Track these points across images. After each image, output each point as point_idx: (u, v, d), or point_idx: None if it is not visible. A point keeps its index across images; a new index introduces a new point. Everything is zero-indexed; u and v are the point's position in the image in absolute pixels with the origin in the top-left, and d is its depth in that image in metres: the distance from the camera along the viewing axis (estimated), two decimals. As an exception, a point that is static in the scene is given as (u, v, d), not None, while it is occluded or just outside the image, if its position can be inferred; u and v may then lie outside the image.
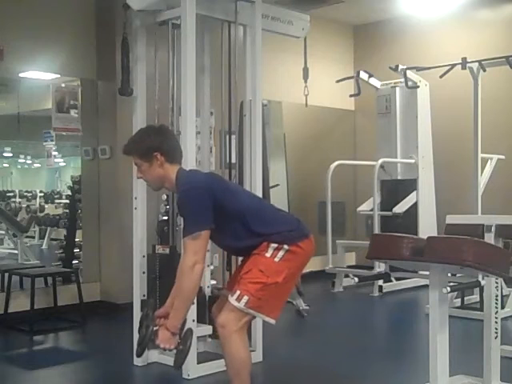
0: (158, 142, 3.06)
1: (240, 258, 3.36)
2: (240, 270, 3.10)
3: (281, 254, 2.97)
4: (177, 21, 4.21)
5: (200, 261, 2.87)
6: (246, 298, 2.92)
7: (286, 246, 2.98)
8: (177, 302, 2.90)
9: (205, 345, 4.40)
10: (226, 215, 2.98)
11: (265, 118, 4.96)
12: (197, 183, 3.00)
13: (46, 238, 10.32)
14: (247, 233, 3.01)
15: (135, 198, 4.30)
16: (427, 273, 3.12)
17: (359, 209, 7.45)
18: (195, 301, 3.94)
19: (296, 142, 7.92)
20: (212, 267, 4.57)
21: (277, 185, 6.50)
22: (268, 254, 2.97)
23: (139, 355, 2.95)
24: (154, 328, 2.92)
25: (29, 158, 14.75)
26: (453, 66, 6.28)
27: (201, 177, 3.20)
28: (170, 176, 3.06)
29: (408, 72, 6.92)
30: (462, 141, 7.03)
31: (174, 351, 2.89)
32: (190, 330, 2.95)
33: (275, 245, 2.98)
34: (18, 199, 12.43)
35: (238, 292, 2.94)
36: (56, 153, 8.67)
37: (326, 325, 5.72)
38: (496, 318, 3.50)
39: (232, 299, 2.94)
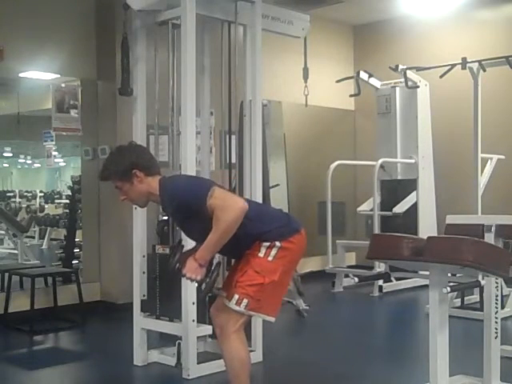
0: (133, 159, 3.05)
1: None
2: (234, 270, 3.10)
3: (274, 252, 2.98)
4: (177, 21, 4.20)
5: (235, 200, 2.88)
6: (245, 301, 2.94)
7: (278, 244, 2.98)
8: (211, 236, 2.86)
9: (205, 345, 4.40)
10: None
11: (265, 117, 4.95)
12: (185, 179, 3.15)
13: (45, 238, 10.31)
14: (240, 233, 2.96)
15: (135, 198, 4.30)
16: (427, 273, 3.12)
17: (359, 209, 7.45)
18: (195, 300, 3.96)
19: (296, 142, 7.92)
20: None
21: (277, 185, 6.50)
22: (261, 254, 2.98)
23: (172, 269, 3.01)
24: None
25: (29, 157, 14.74)
26: (453, 65, 6.28)
27: (187, 175, 3.39)
28: (153, 189, 3.06)
29: (408, 72, 6.92)
30: (462, 141, 7.03)
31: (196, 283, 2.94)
32: (218, 264, 2.97)
33: (267, 243, 2.98)
34: (18, 199, 12.43)
35: (237, 296, 2.95)
36: (56, 153, 8.65)
37: (326, 325, 5.72)
38: (496, 318, 3.50)
39: (231, 304, 2.95)
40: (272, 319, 3.05)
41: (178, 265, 2.92)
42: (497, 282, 3.52)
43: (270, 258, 2.97)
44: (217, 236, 2.85)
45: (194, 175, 3.70)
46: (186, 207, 2.93)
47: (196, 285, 3.60)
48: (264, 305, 2.98)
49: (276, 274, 2.97)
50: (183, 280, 3.95)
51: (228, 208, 2.82)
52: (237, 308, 2.94)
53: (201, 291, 3.00)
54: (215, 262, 2.98)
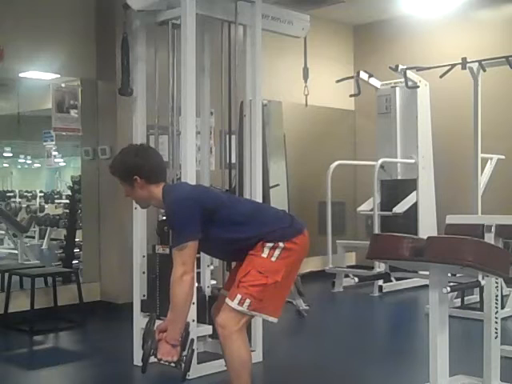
0: (136, 166, 3.05)
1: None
2: (237, 270, 3.10)
3: (277, 252, 2.98)
4: (177, 21, 4.20)
5: (188, 271, 2.90)
6: (248, 301, 2.94)
7: (281, 244, 2.99)
8: (171, 315, 2.95)
9: (205, 345, 4.40)
10: (219, 223, 3.00)
11: (265, 117, 4.95)
12: (184, 195, 3.02)
13: (45, 238, 10.32)
14: (242, 238, 3.02)
15: (135, 198, 4.30)
16: (427, 273, 3.12)
17: (359, 209, 7.45)
18: (195, 301, 3.96)
19: (296, 142, 7.91)
20: (212, 267, 4.57)
21: (277, 185, 6.49)
22: (264, 255, 2.98)
23: (143, 371, 2.97)
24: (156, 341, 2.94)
25: (29, 157, 14.75)
26: (453, 65, 6.28)
27: (188, 189, 3.25)
28: (155, 196, 3.08)
29: (408, 72, 6.92)
30: (462, 141, 7.03)
31: (173, 364, 2.91)
32: (191, 340, 2.97)
33: (270, 244, 2.99)
34: (17, 199, 12.44)
35: (240, 296, 2.95)
36: (56, 153, 8.67)
37: (326, 325, 5.72)
38: (496, 317, 3.50)
39: (234, 304, 2.95)
40: (274, 320, 3.06)
41: (152, 351, 2.93)
42: (497, 282, 3.52)
43: (273, 259, 2.98)
44: (174, 315, 2.95)
45: (196, 191, 3.24)
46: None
47: (196, 284, 3.58)
48: (266, 305, 2.99)
49: (279, 275, 2.97)
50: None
51: (178, 282, 2.91)
52: (239, 308, 2.94)
53: (180, 367, 2.99)
54: (190, 337, 2.99)
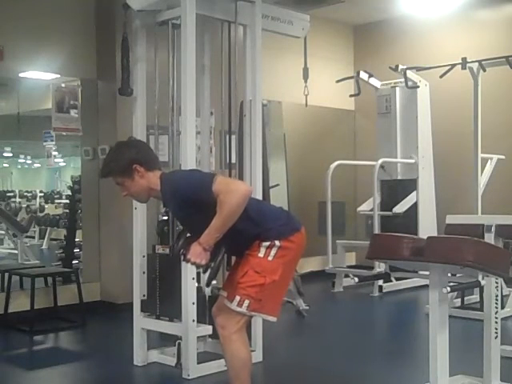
0: (133, 155, 3.05)
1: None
2: (235, 271, 3.10)
3: (273, 251, 2.98)
4: (177, 21, 4.20)
5: (240, 184, 2.96)
6: (247, 302, 2.94)
7: (277, 243, 2.98)
8: (215, 220, 2.84)
9: (205, 345, 4.40)
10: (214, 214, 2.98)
11: (265, 117, 4.95)
12: (184, 171, 3.15)
13: (45, 238, 10.33)
14: (238, 229, 2.96)
15: (135, 198, 4.30)
16: (427, 273, 3.12)
17: (359, 209, 7.45)
18: (195, 300, 3.96)
19: (296, 142, 7.92)
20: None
21: (277, 185, 6.50)
22: (261, 254, 2.98)
23: (173, 254, 3.04)
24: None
25: (29, 158, 14.78)
26: (453, 66, 6.29)
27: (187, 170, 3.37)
28: (154, 183, 3.05)
29: (408, 72, 6.92)
30: (462, 141, 7.03)
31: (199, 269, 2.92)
32: (222, 249, 2.94)
33: (267, 243, 2.98)
34: (18, 199, 12.46)
35: (238, 298, 2.95)
36: (56, 153, 8.69)
37: (326, 325, 5.72)
38: (496, 318, 3.50)
39: (233, 305, 2.96)
40: (274, 319, 3.06)
41: (182, 250, 2.90)
42: (497, 282, 3.52)
43: (269, 258, 2.97)
44: (221, 220, 2.83)
45: (195, 168, 3.69)
46: (190, 200, 2.90)
47: (196, 284, 3.59)
48: (265, 305, 2.99)
49: (277, 274, 2.97)
50: (183, 280, 3.98)
51: (232, 192, 2.82)
52: (238, 309, 2.95)
53: (207, 278, 2.98)
54: (222, 250, 2.95)
